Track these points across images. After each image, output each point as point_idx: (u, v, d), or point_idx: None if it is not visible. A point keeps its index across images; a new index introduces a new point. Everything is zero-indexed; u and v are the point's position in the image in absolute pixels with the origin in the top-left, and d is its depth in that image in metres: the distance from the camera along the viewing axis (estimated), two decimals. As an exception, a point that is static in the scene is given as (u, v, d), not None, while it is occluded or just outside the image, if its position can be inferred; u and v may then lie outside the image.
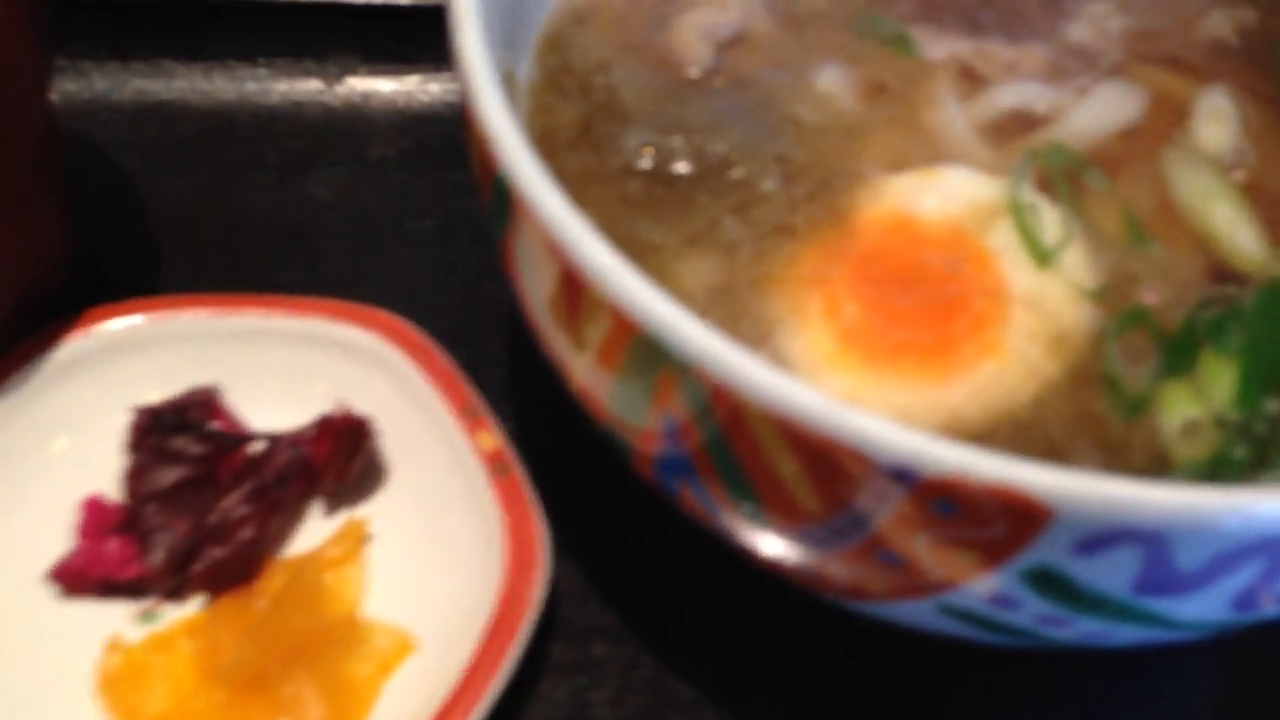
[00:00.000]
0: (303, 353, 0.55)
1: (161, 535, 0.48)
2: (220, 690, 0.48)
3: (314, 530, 0.52)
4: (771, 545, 0.44)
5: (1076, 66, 0.56)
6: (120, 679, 0.48)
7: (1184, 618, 0.40)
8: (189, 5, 0.74)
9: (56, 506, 0.52)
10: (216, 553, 0.48)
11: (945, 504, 0.36)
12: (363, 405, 0.54)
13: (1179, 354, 0.47)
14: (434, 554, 0.51)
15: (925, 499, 0.36)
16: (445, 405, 0.53)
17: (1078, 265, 0.49)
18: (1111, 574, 0.37)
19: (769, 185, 0.51)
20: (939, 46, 0.56)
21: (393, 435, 0.54)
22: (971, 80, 0.55)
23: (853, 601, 0.46)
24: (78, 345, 0.54)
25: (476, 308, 0.65)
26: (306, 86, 0.75)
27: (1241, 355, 0.46)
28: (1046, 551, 0.36)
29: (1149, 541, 0.35)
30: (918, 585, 0.41)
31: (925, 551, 0.39)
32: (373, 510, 0.53)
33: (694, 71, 0.54)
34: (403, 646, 0.50)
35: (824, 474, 0.37)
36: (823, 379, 0.46)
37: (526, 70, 0.53)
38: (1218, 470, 0.44)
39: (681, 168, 0.51)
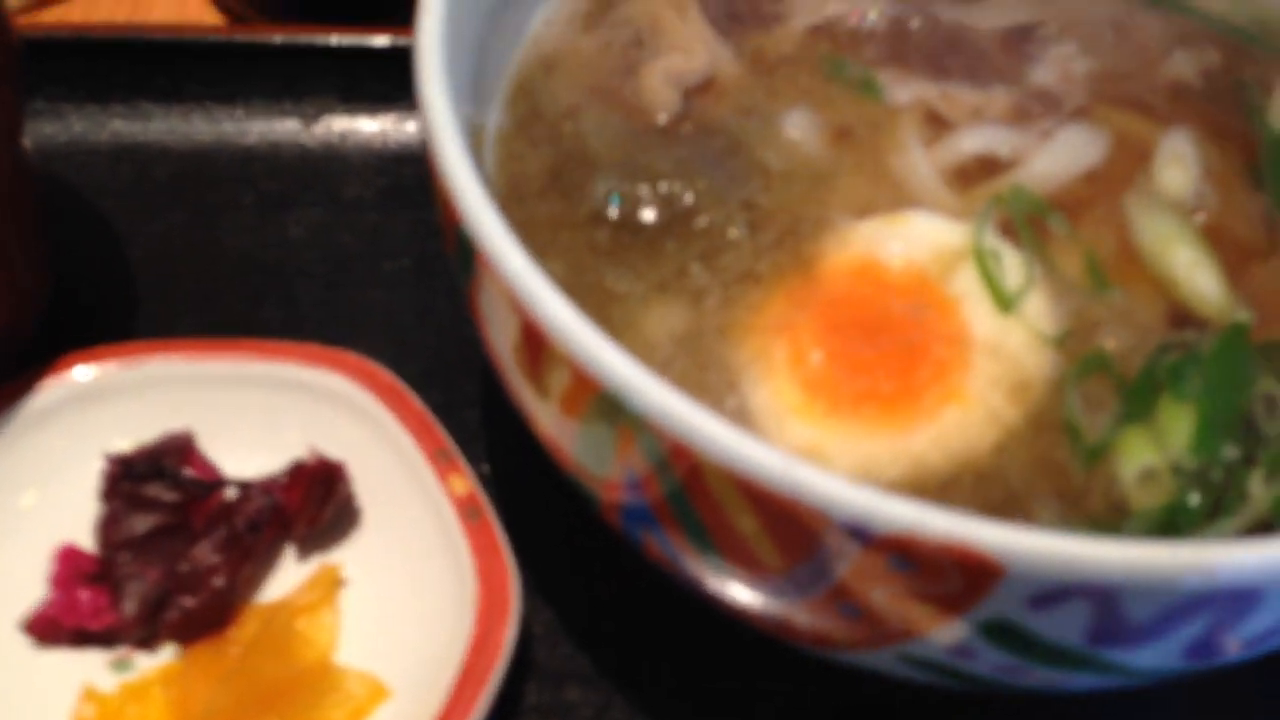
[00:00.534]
0: (277, 397, 0.56)
1: (133, 584, 0.48)
2: (194, 738, 0.48)
3: (287, 576, 0.53)
4: (734, 594, 0.44)
5: (1040, 110, 0.56)
6: (95, 728, 0.48)
7: (1140, 667, 0.40)
8: (167, 47, 0.74)
9: (31, 556, 0.52)
10: (187, 601, 0.48)
11: (900, 560, 0.37)
12: (337, 449, 0.54)
13: (1138, 400, 0.47)
14: (407, 599, 0.52)
15: (881, 555, 0.37)
16: (418, 449, 0.53)
17: (1040, 311, 0.50)
18: (1066, 626, 0.37)
19: (736, 232, 0.51)
20: (905, 90, 0.57)
21: (366, 479, 0.55)
22: (937, 124, 0.56)
23: (817, 649, 0.46)
24: (51, 393, 0.54)
25: (451, 348, 0.66)
26: (284, 127, 0.75)
27: (1199, 401, 0.47)
28: (1001, 605, 0.37)
29: (1099, 596, 0.36)
30: (878, 636, 0.41)
31: (884, 604, 0.39)
32: (346, 555, 0.53)
33: (662, 118, 0.55)
34: (376, 693, 0.50)
35: (782, 529, 0.38)
36: (787, 429, 0.46)
37: (496, 118, 0.54)
38: (1174, 518, 0.44)
39: (649, 215, 0.51)
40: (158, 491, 0.51)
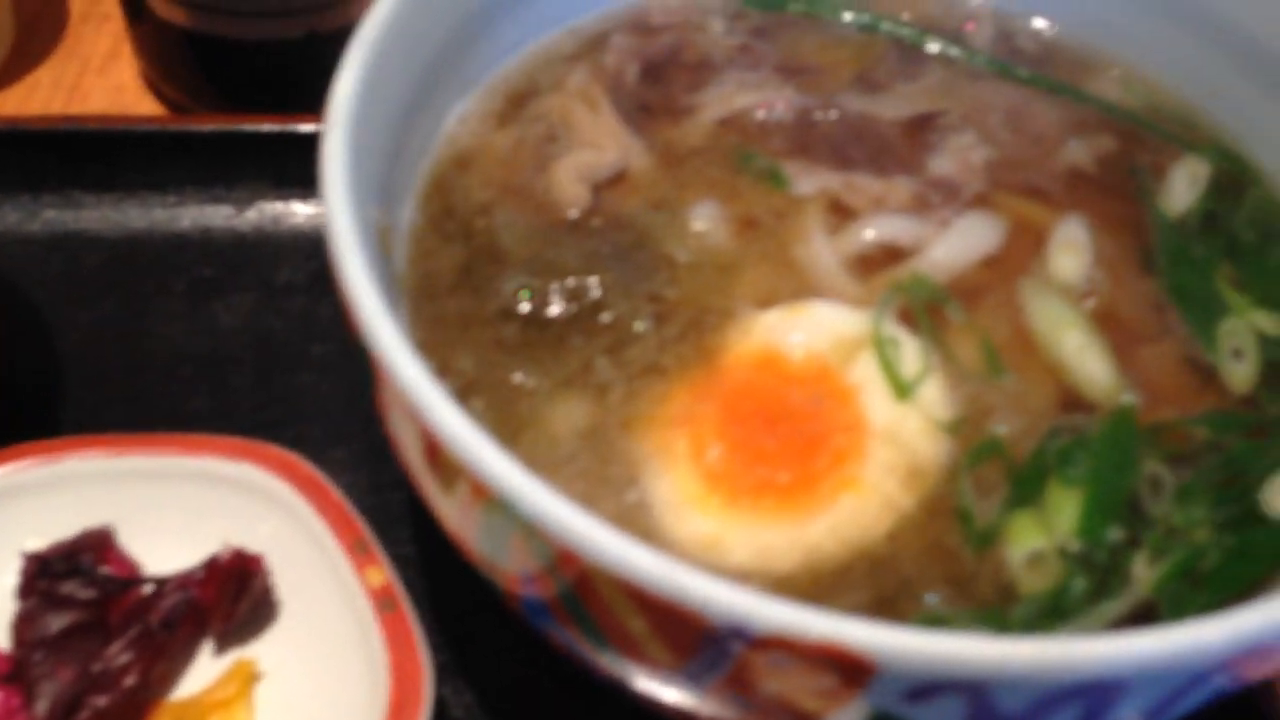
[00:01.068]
0: (199, 491, 0.56)
1: (46, 684, 0.49)
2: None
3: (203, 671, 0.53)
4: (634, 683, 0.45)
5: (940, 198, 0.58)
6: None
7: (1023, 753, 0.41)
8: (100, 137, 0.75)
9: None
10: (99, 701, 0.49)
11: (780, 658, 0.38)
12: (256, 542, 0.55)
13: (1027, 485, 0.49)
14: (321, 692, 0.52)
15: (762, 653, 0.38)
16: (336, 541, 0.54)
17: (935, 398, 0.51)
18: (944, 717, 0.39)
19: (641, 325, 0.53)
20: (810, 181, 0.58)
21: (284, 572, 0.55)
22: (841, 213, 0.58)
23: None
24: (-34, 493, 0.55)
25: (378, 431, 0.66)
26: (217, 213, 0.76)
27: (1086, 484, 0.48)
28: (880, 699, 0.38)
29: (970, 690, 0.37)
30: (773, 725, 0.42)
31: (774, 697, 0.40)
32: (263, 649, 0.54)
33: (573, 213, 0.56)
34: (290, 785, 0.51)
35: (669, 629, 0.39)
36: (687, 521, 0.48)
37: (410, 215, 0.55)
38: (1059, 602, 0.46)
39: (556, 310, 0.53)
40: (73, 589, 0.51)
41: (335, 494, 0.56)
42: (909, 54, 0.64)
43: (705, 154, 0.59)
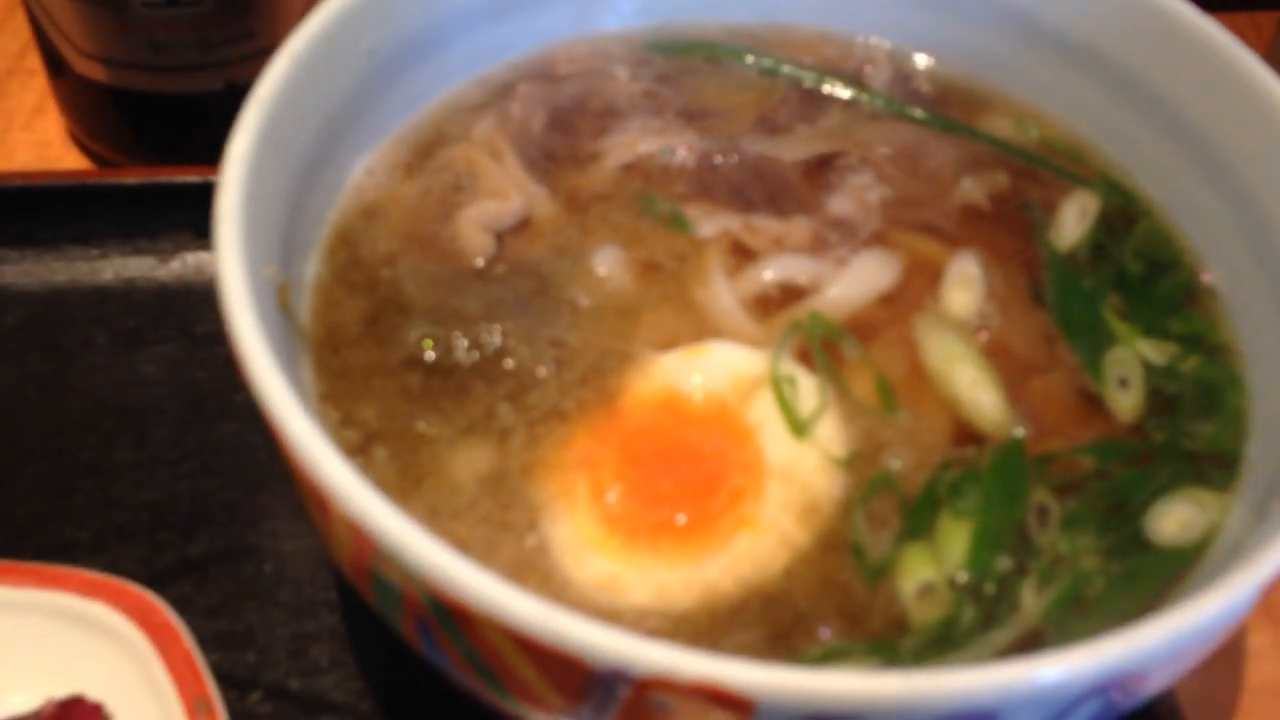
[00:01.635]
0: (50, 627, 0.56)
1: None
2: None
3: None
4: (535, 727, 0.46)
5: (838, 238, 0.60)
6: None
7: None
8: (20, 193, 0.76)
9: None
10: None
11: (664, 698, 0.39)
12: (100, 688, 0.54)
13: (919, 518, 0.50)
14: None
15: (645, 694, 0.39)
16: (178, 697, 0.53)
17: (831, 434, 0.53)
18: (826, 751, 0.40)
19: (543, 371, 0.54)
20: (711, 223, 0.60)
21: (122, 720, 0.55)
22: (742, 254, 0.59)
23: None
24: None
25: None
26: (139, 264, 0.77)
27: (975, 516, 0.50)
28: (763, 735, 0.39)
29: (846, 725, 0.38)
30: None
31: (665, 735, 0.41)
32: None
33: (478, 261, 0.58)
34: None
35: (556, 674, 0.40)
36: (587, 563, 0.48)
37: (314, 268, 0.56)
38: (949, 632, 0.47)
39: (459, 358, 0.54)
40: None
41: (187, 642, 0.55)
42: (809, 97, 0.66)
43: (609, 199, 0.61)
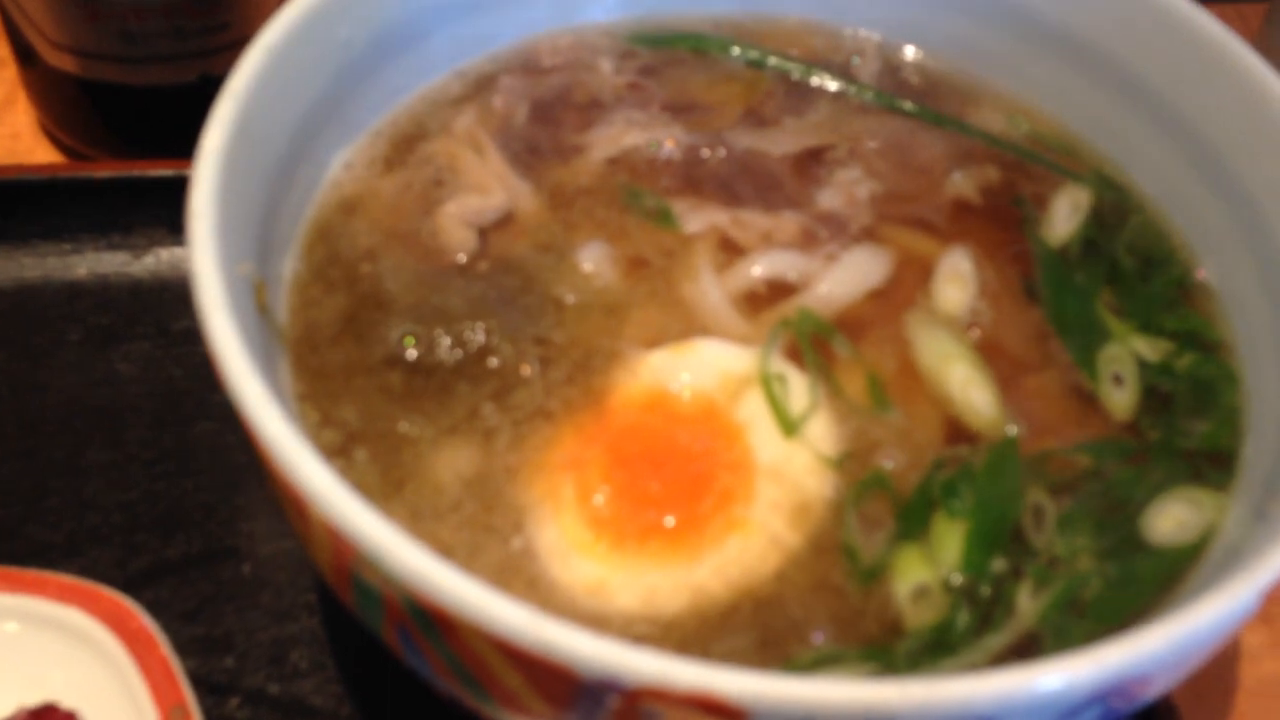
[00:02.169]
0: (27, 631, 0.55)
1: None
2: None
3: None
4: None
5: (827, 233, 0.59)
6: None
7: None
8: (-10, 187, 0.74)
9: None
10: None
11: (654, 708, 0.38)
12: (74, 695, 0.53)
13: (913, 518, 0.49)
14: None
15: (634, 704, 0.38)
16: (153, 704, 0.52)
17: (822, 433, 0.51)
18: (820, 761, 0.39)
19: (528, 370, 0.52)
20: (698, 218, 0.59)
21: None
22: (730, 250, 0.58)
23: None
24: None
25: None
26: (112, 259, 0.75)
27: (969, 517, 0.49)
28: (756, 745, 0.38)
29: (840, 733, 0.37)
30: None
31: (654, 745, 0.40)
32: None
33: (460, 257, 0.56)
34: None
35: (541, 682, 0.39)
36: (574, 567, 0.47)
37: (291, 265, 0.55)
38: (944, 636, 0.46)
39: (442, 356, 0.53)
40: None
41: (164, 649, 0.54)
42: (797, 89, 0.65)
43: (594, 194, 0.60)
